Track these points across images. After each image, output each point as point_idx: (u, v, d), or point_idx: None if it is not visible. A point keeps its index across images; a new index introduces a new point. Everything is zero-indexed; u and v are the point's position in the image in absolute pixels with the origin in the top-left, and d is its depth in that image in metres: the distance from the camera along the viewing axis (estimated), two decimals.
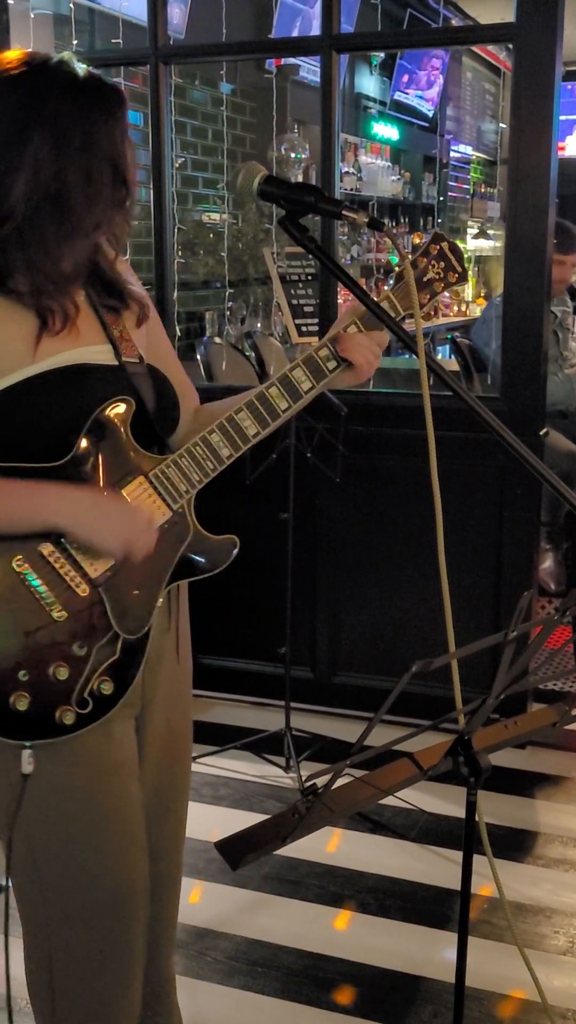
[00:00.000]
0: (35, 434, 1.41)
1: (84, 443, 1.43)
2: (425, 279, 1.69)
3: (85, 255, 1.47)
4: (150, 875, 1.58)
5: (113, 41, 4.46)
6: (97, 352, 1.49)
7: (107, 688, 1.44)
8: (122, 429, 1.47)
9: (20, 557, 1.38)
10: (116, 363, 1.50)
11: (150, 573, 1.49)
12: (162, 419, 1.55)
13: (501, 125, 10.34)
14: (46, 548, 1.40)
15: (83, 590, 1.42)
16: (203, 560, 1.56)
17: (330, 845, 2.88)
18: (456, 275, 1.73)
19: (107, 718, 1.44)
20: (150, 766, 1.60)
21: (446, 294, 8.50)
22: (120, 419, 1.47)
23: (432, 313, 1.70)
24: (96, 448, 1.45)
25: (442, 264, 1.72)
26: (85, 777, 1.47)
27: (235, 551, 1.59)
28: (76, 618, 1.42)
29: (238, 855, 1.10)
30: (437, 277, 1.71)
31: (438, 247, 1.71)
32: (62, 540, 1.41)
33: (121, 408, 1.47)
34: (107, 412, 1.45)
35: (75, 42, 4.38)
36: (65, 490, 1.40)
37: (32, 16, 4.31)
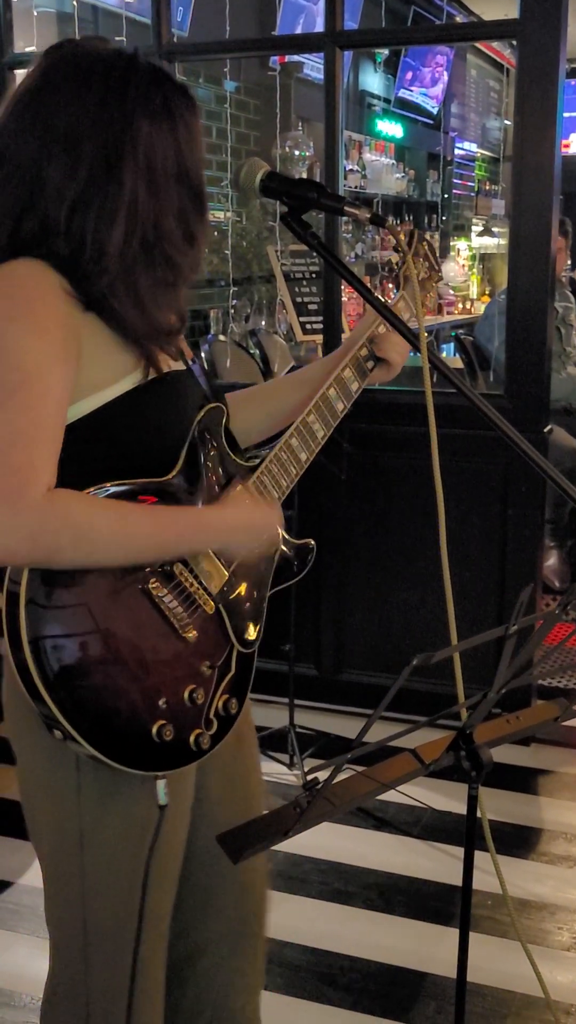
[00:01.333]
0: (144, 444, 1.36)
1: (190, 452, 1.39)
2: (420, 279, 1.70)
3: (183, 302, 1.41)
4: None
5: (116, 39, 4.46)
6: (169, 358, 1.44)
7: (233, 706, 1.42)
8: (220, 435, 1.45)
9: (155, 580, 1.33)
10: (185, 367, 1.47)
11: (258, 583, 1.49)
12: None
13: (505, 122, 10.32)
14: (176, 567, 1.35)
15: (209, 606, 1.39)
16: (288, 566, 1.58)
17: (334, 841, 2.89)
18: (436, 274, 1.75)
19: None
20: (217, 798, 1.57)
21: (451, 293, 8.39)
22: (218, 425, 1.45)
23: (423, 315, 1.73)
24: (201, 457, 1.42)
25: (427, 264, 1.72)
26: (172, 813, 1.42)
27: (312, 555, 1.61)
28: (204, 636, 1.39)
29: (239, 848, 1.11)
30: (426, 276, 1.72)
31: (424, 247, 1.71)
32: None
33: (217, 414, 1.45)
34: (207, 419, 1.42)
35: None
36: (220, 519, 1.39)
37: (35, 14, 4.31)
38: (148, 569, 1.32)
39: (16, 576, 1.26)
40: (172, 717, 1.33)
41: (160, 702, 1.32)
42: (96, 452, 1.34)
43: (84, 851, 1.40)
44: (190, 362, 1.49)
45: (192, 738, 1.36)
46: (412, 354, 1.73)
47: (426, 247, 1.72)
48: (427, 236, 1.74)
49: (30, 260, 1.30)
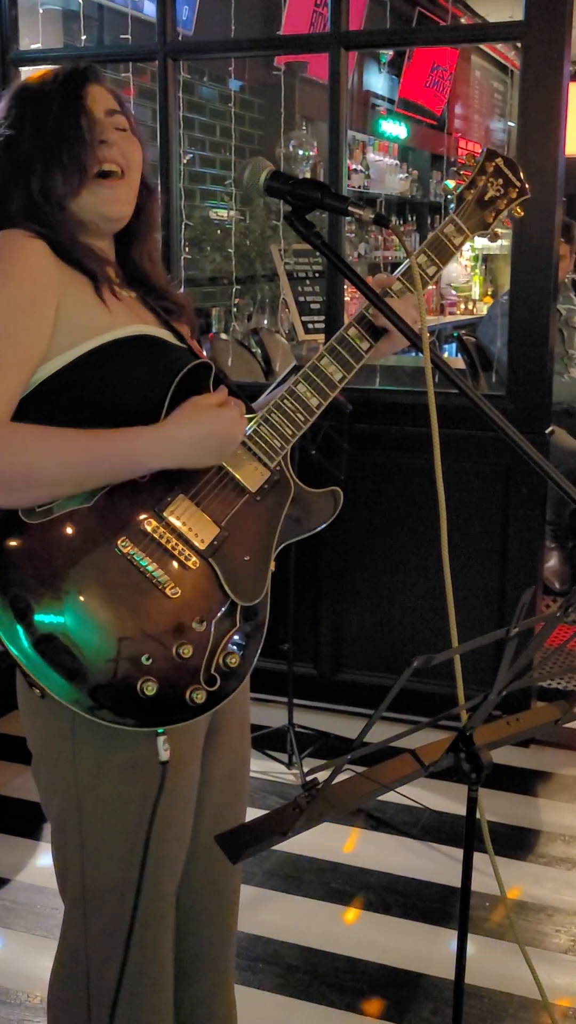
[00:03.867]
0: (118, 400, 1.39)
1: (171, 408, 1.40)
2: (487, 198, 1.67)
3: (55, 215, 1.46)
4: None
5: (122, 37, 4.46)
6: (162, 333, 1.49)
7: (233, 660, 1.40)
8: (208, 391, 1.45)
9: (124, 538, 1.34)
10: (184, 346, 1.51)
11: (259, 537, 1.47)
12: None
13: (509, 123, 10.32)
14: (149, 524, 1.36)
15: (193, 563, 1.39)
16: (308, 517, 1.55)
17: (333, 842, 2.89)
18: (516, 190, 1.69)
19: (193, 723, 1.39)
20: (214, 790, 1.58)
21: (453, 294, 8.33)
22: (204, 381, 1.45)
23: (497, 234, 1.71)
24: None
25: (500, 181, 1.68)
26: (176, 772, 1.43)
27: (339, 503, 1.57)
28: (191, 593, 1.38)
29: (238, 848, 1.10)
30: (498, 195, 1.68)
31: (493, 164, 1.68)
32: (164, 514, 1.38)
33: (202, 371, 1.45)
34: (191, 377, 1.43)
35: (84, 37, 4.38)
36: (157, 431, 1.37)
37: (41, 11, 4.31)
38: (116, 527, 1.34)
39: None
40: (158, 673, 1.33)
41: (143, 659, 1.32)
42: (75, 404, 1.37)
43: (82, 815, 1.42)
44: (194, 350, 1.52)
45: (187, 694, 1.35)
46: (414, 354, 1.71)
47: (501, 162, 1.68)
48: (501, 151, 1.69)
49: (13, 230, 1.40)
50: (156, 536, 1.36)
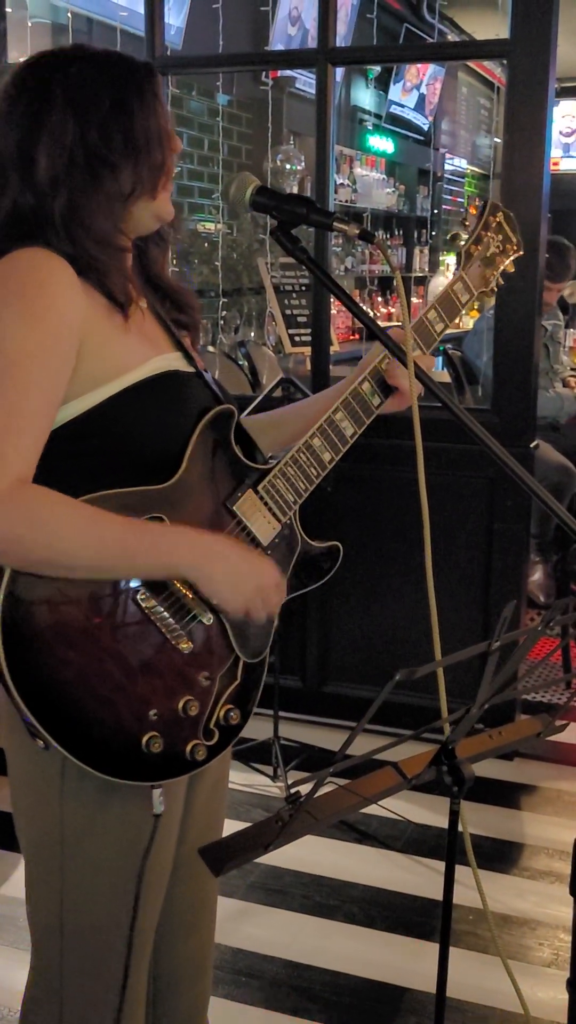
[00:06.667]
0: (140, 447, 1.34)
1: (192, 456, 1.36)
2: (489, 255, 1.63)
3: (123, 219, 1.38)
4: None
5: None
6: (175, 359, 1.43)
7: (234, 717, 1.39)
8: (229, 438, 1.42)
9: (143, 591, 1.30)
10: (194, 370, 1.46)
11: None
12: None
13: (495, 139, 10.39)
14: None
15: (207, 618, 1.36)
16: (312, 571, 1.53)
17: (316, 854, 2.88)
18: (514, 247, 1.65)
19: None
20: (195, 818, 1.56)
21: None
22: (226, 428, 1.41)
23: (494, 290, 1.66)
24: (205, 461, 1.38)
25: (500, 237, 1.65)
26: (165, 823, 1.41)
27: (338, 560, 1.56)
28: (201, 648, 1.35)
29: (221, 861, 1.10)
30: (498, 251, 1.65)
31: (496, 218, 1.64)
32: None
33: (226, 416, 1.41)
34: (214, 421, 1.39)
35: None
36: (198, 538, 1.32)
37: (30, 25, 4.32)
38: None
39: None
40: (163, 728, 1.31)
41: (150, 713, 1.30)
42: (94, 451, 1.32)
43: (64, 858, 1.39)
44: (202, 371, 1.49)
45: (188, 749, 1.34)
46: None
47: (502, 216, 1.64)
48: (500, 206, 1.64)
49: (33, 248, 1.31)
50: (173, 590, 1.33)
